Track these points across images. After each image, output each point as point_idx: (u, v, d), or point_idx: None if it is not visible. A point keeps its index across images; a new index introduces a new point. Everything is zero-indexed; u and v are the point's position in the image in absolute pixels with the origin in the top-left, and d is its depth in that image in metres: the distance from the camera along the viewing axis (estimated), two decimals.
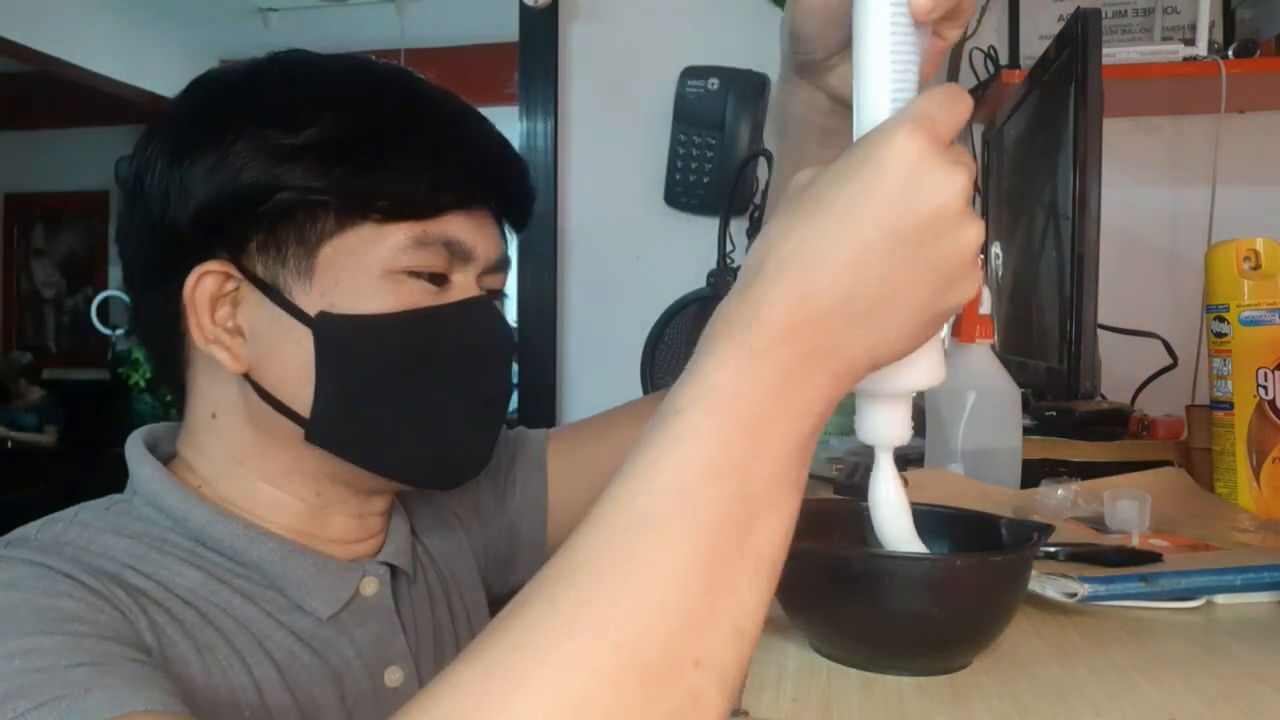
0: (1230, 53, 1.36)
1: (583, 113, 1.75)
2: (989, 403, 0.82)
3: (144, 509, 0.56)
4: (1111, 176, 0.90)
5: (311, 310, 0.55)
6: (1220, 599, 0.58)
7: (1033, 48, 1.54)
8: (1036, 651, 0.50)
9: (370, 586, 0.60)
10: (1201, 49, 1.36)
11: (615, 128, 1.74)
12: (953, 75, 1.56)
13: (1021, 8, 1.57)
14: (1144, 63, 1.35)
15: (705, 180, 1.65)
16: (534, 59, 1.73)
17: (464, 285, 0.59)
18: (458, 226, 0.58)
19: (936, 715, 0.42)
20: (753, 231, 1.35)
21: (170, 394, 0.62)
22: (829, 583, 0.47)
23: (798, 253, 0.37)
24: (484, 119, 0.63)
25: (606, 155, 1.74)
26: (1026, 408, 1.00)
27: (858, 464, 1.03)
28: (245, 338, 0.56)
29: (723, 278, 0.93)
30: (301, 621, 0.56)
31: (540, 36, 1.73)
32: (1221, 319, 0.77)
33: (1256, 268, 0.75)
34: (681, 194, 1.67)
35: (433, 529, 0.71)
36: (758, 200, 1.40)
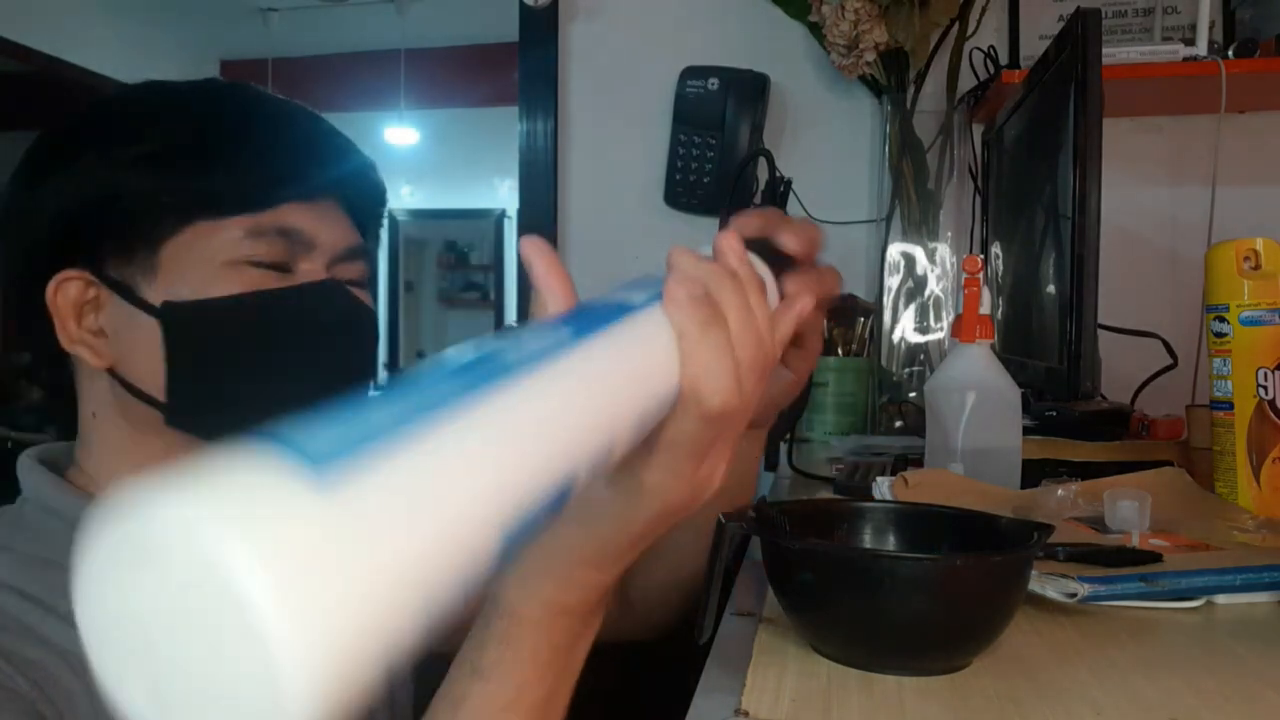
0: (1230, 53, 1.36)
1: (583, 113, 1.75)
2: (989, 403, 0.82)
3: (34, 514, 0.60)
4: (1111, 176, 0.90)
5: (157, 301, 0.59)
6: (1220, 599, 0.58)
7: (1033, 48, 1.54)
8: (1036, 651, 0.50)
9: None
10: (1201, 49, 1.36)
11: (615, 128, 1.74)
12: (953, 75, 1.56)
13: (1021, 8, 1.57)
14: (1144, 63, 1.35)
15: (705, 180, 1.65)
16: (534, 59, 1.73)
17: (309, 272, 0.63)
18: (296, 217, 0.62)
19: (936, 715, 0.42)
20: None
21: (67, 406, 0.65)
22: (829, 583, 0.47)
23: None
24: (318, 118, 0.67)
25: (606, 155, 1.74)
26: (1026, 408, 1.00)
27: (858, 464, 1.03)
28: (107, 337, 0.61)
29: None
30: None
31: (540, 36, 1.73)
32: (1221, 319, 0.77)
33: (1256, 268, 0.75)
34: (681, 194, 1.67)
35: None
36: (758, 200, 1.40)
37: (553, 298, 0.38)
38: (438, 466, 0.25)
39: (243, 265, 0.60)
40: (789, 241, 0.49)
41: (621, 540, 0.42)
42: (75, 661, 0.52)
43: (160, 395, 0.60)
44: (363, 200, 0.69)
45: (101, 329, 0.61)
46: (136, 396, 0.60)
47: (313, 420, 0.25)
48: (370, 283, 0.69)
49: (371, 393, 0.30)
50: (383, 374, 5.89)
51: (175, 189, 0.60)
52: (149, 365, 0.60)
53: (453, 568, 0.25)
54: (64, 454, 0.65)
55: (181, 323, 0.59)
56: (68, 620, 0.53)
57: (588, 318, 0.35)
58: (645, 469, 0.38)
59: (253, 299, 0.60)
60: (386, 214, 0.74)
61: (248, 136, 0.63)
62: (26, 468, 0.62)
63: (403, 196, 5.82)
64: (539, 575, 0.43)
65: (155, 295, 0.60)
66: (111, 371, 0.61)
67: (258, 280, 0.60)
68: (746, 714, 0.43)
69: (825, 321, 1.49)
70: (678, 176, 1.67)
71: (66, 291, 0.61)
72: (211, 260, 0.60)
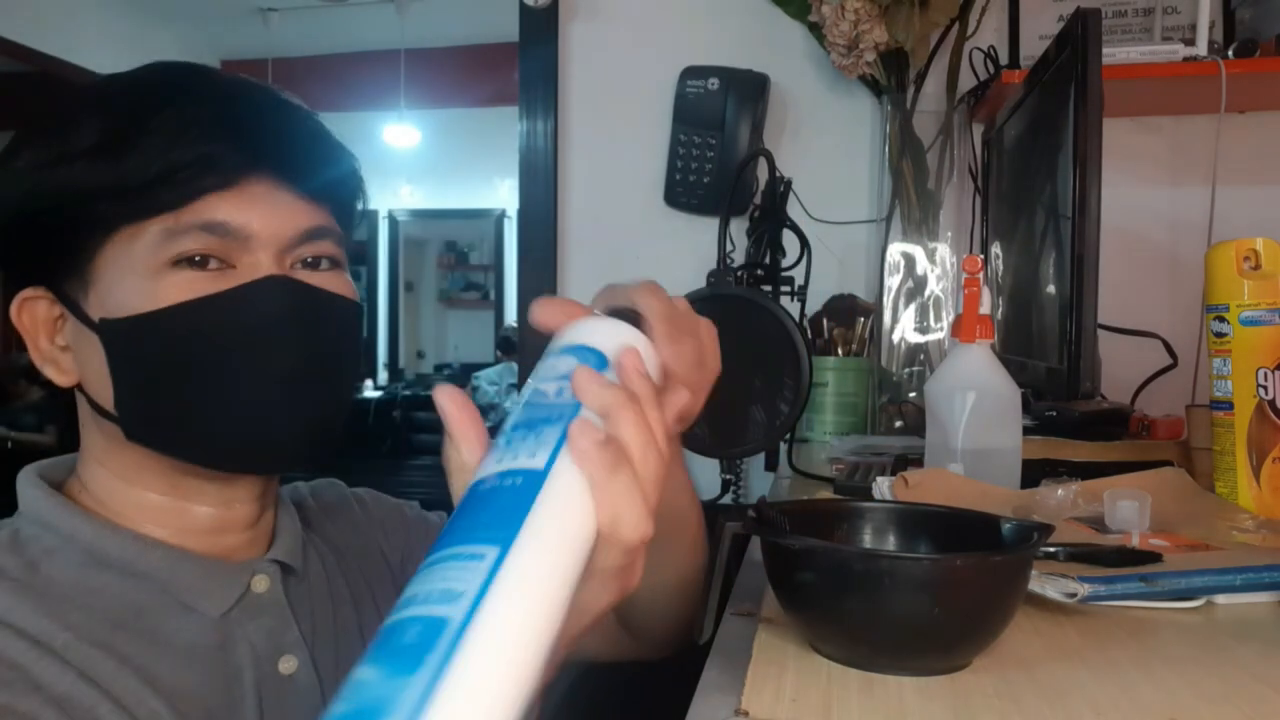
0: (1230, 53, 1.36)
1: (583, 113, 1.75)
2: (989, 403, 0.82)
3: (30, 529, 0.58)
4: (1111, 176, 0.90)
5: (95, 317, 0.57)
6: (1220, 599, 0.58)
7: (1033, 48, 1.54)
8: (1036, 651, 0.50)
9: (261, 584, 0.62)
10: (1201, 49, 1.36)
11: (615, 128, 1.74)
12: (953, 75, 1.56)
13: (1021, 8, 1.57)
14: (1144, 63, 1.35)
15: (705, 180, 1.65)
16: (534, 59, 1.73)
17: (252, 266, 0.57)
18: (221, 209, 0.56)
19: (936, 715, 0.42)
20: (753, 231, 1.35)
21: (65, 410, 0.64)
22: (829, 583, 0.47)
23: None
24: (261, 93, 0.60)
25: (606, 155, 1.74)
26: (1026, 408, 1.00)
27: (858, 464, 1.03)
28: (73, 353, 0.60)
29: (722, 278, 0.93)
30: (196, 624, 0.58)
31: (540, 36, 1.73)
32: (1221, 319, 0.77)
33: (1256, 268, 0.75)
34: (681, 194, 1.67)
35: (346, 539, 0.73)
36: (757, 200, 1.40)
37: (467, 444, 0.41)
38: None
39: (164, 270, 0.56)
40: (645, 308, 0.50)
41: (555, 648, 0.39)
42: (72, 709, 0.51)
43: (114, 409, 0.58)
44: (317, 174, 0.61)
45: (67, 345, 0.60)
46: (99, 413, 0.59)
47: None
48: (344, 266, 0.63)
49: None
50: (383, 374, 5.89)
51: (91, 194, 0.55)
52: (101, 381, 0.58)
53: None
54: (64, 467, 0.64)
55: (118, 339, 0.57)
56: (64, 656, 0.52)
57: (499, 508, 0.36)
58: (576, 592, 0.38)
59: (186, 309, 0.56)
60: (388, 215, 0.72)
61: (158, 126, 0.56)
62: (24, 483, 0.61)
63: (403, 196, 5.82)
64: None
65: (94, 310, 0.57)
66: (79, 388, 0.60)
67: (192, 283, 0.56)
68: (746, 714, 0.43)
69: (825, 322, 1.47)
70: (677, 176, 1.67)
71: (33, 310, 0.59)
72: (136, 268, 0.56)
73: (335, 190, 0.63)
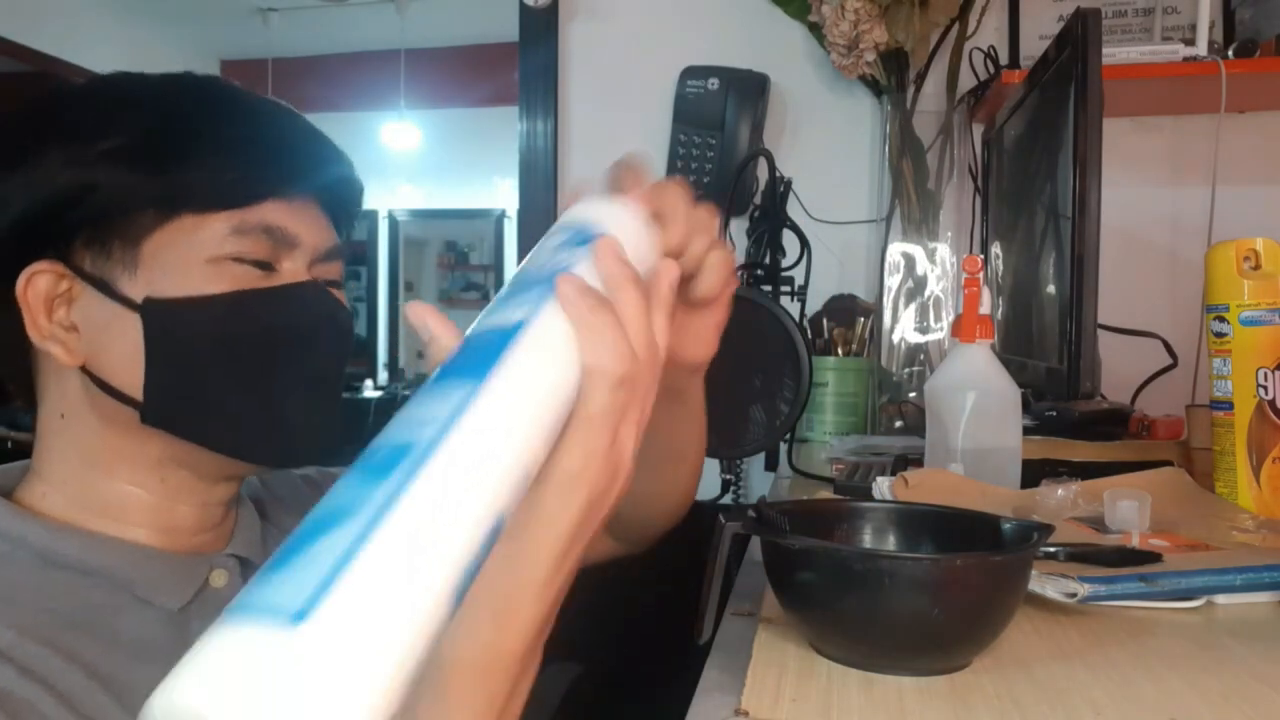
0: (1230, 53, 1.36)
1: (583, 113, 1.75)
2: (989, 403, 0.82)
3: None
4: (1111, 176, 0.90)
5: (138, 297, 0.58)
6: (1220, 599, 0.58)
7: (1033, 48, 1.54)
8: (1036, 651, 0.50)
9: (220, 579, 0.63)
10: (1201, 49, 1.36)
11: (615, 128, 1.74)
12: (953, 75, 1.56)
13: (1021, 8, 1.57)
14: (1144, 63, 1.35)
15: (705, 180, 1.65)
16: (534, 59, 1.73)
17: (293, 272, 0.62)
18: (277, 214, 0.61)
19: (936, 715, 0.42)
20: (753, 231, 1.35)
21: (26, 408, 0.64)
22: (829, 583, 0.47)
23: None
24: (296, 115, 0.66)
25: (606, 155, 1.73)
26: (1026, 408, 1.00)
27: (858, 464, 1.03)
28: (80, 333, 0.60)
29: None
30: (153, 618, 0.58)
31: (540, 36, 1.73)
32: (1221, 319, 0.77)
33: (1256, 268, 0.75)
34: None
35: (299, 518, 0.73)
36: (757, 200, 1.40)
37: (446, 337, 0.41)
38: (387, 573, 0.30)
39: (227, 262, 0.59)
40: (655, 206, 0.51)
41: (555, 546, 0.40)
42: (12, 704, 0.50)
43: (135, 393, 0.59)
44: (341, 200, 0.68)
45: (74, 324, 0.60)
46: (110, 394, 0.59)
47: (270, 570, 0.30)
48: (344, 287, 0.68)
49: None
50: (383, 374, 5.89)
51: (155, 182, 0.58)
52: (124, 362, 0.59)
53: (415, 656, 0.29)
54: (14, 474, 0.64)
55: (163, 319, 0.58)
56: (7, 654, 0.51)
57: (481, 352, 0.37)
58: (563, 456, 0.39)
59: (237, 298, 0.59)
60: (388, 215, 0.73)
61: (228, 131, 0.61)
62: None
63: (402, 196, 5.82)
64: (474, 617, 0.39)
65: (136, 291, 0.58)
66: (84, 369, 0.60)
67: (241, 278, 0.59)
68: (746, 714, 0.43)
69: (825, 322, 1.48)
70: (677, 176, 1.66)
71: (36, 285, 0.59)
72: (195, 257, 0.58)
73: (348, 215, 0.69)
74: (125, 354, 0.58)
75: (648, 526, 0.75)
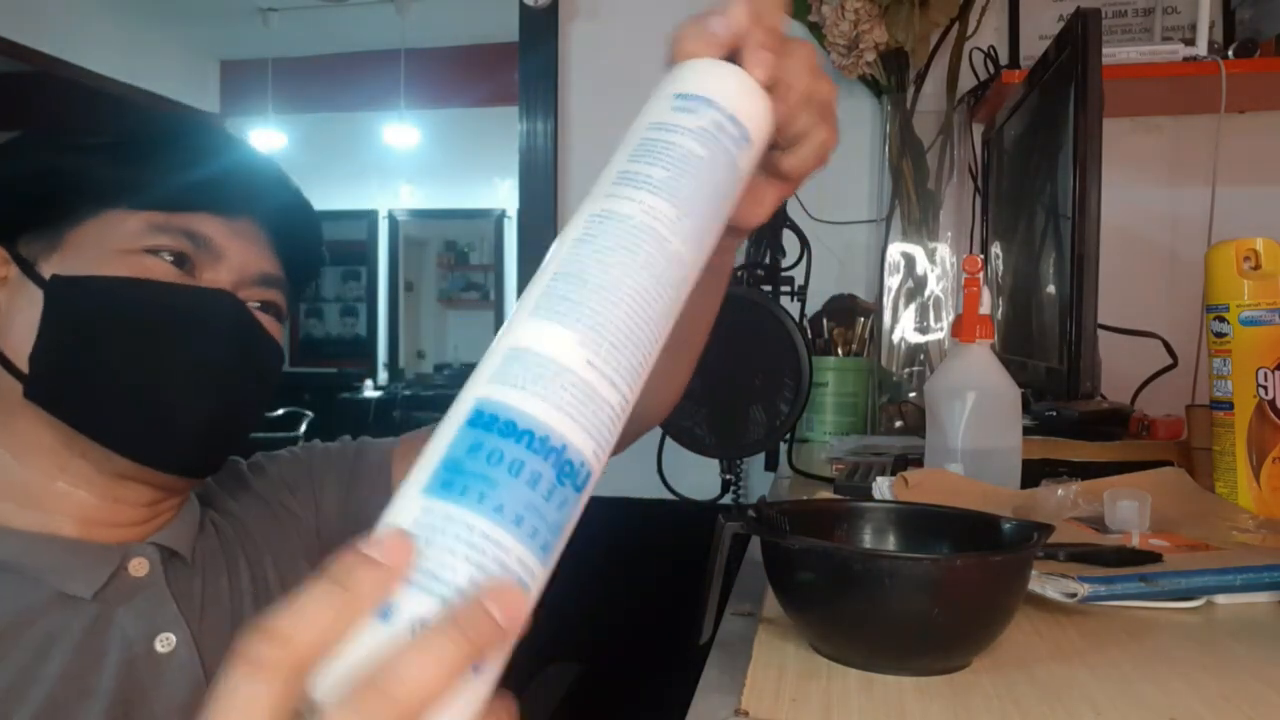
0: (1230, 53, 1.36)
1: (583, 113, 1.75)
2: (989, 403, 0.82)
3: None
4: (1111, 176, 0.90)
5: (47, 274, 0.59)
6: (1220, 599, 0.58)
7: (1033, 48, 1.54)
8: (1036, 651, 0.50)
9: (140, 568, 0.61)
10: (1201, 49, 1.36)
11: (615, 128, 1.72)
12: (953, 75, 1.56)
13: (1021, 8, 1.57)
14: (1144, 63, 1.35)
15: None
16: (534, 59, 1.73)
17: (210, 279, 0.63)
18: (209, 226, 0.62)
19: (936, 715, 0.42)
20: (752, 231, 1.35)
21: None
22: (829, 583, 0.47)
23: None
24: (258, 152, 0.70)
25: (606, 155, 1.74)
26: (1026, 408, 1.00)
27: (858, 464, 1.03)
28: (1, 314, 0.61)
29: None
30: (61, 610, 0.57)
31: (540, 36, 1.73)
32: (1221, 319, 0.77)
33: (1256, 268, 0.75)
34: None
35: (248, 508, 0.73)
36: None
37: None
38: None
39: (139, 254, 0.60)
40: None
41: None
42: None
43: (22, 364, 0.59)
44: (289, 233, 0.68)
45: None
46: (3, 366, 0.59)
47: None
48: (282, 319, 0.69)
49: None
50: (383, 374, 5.89)
51: (96, 176, 0.61)
52: (23, 333, 0.59)
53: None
54: None
55: (63, 295, 0.59)
56: None
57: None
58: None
59: (139, 283, 0.59)
60: (388, 215, 0.73)
61: (177, 144, 0.64)
62: None
63: (403, 196, 5.82)
64: None
65: (49, 269, 0.60)
66: None
67: (149, 265, 0.60)
68: (746, 714, 0.43)
69: (825, 322, 1.47)
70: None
71: None
72: (110, 245, 0.60)
73: (301, 253, 0.70)
74: (26, 326, 0.59)
75: (642, 421, 0.72)
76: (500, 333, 0.35)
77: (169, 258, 0.61)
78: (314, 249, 0.72)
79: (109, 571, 0.59)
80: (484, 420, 0.32)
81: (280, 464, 0.78)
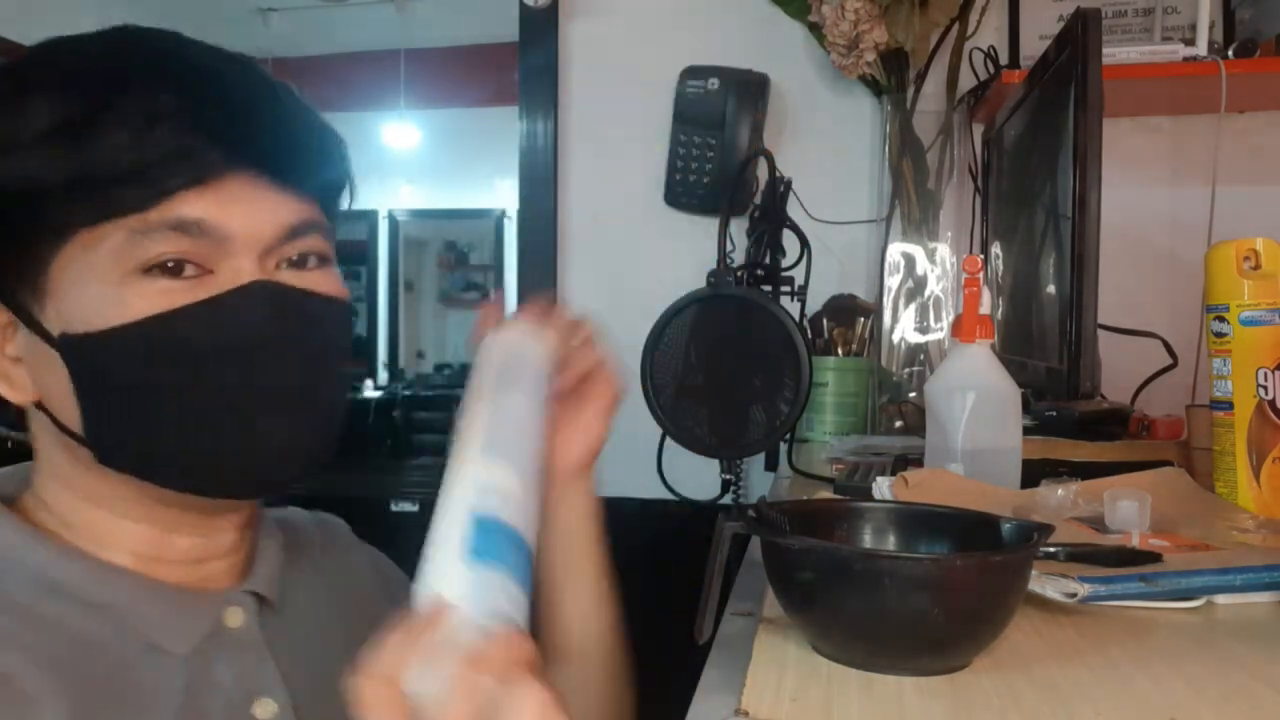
0: (1230, 53, 1.36)
1: (583, 113, 1.75)
2: (989, 403, 0.82)
3: None
4: (1111, 176, 0.90)
5: (54, 331, 0.50)
6: (1220, 599, 0.58)
7: (1033, 48, 1.54)
8: (1036, 651, 0.50)
9: (235, 618, 0.57)
10: (1201, 49, 1.36)
11: (615, 128, 1.74)
12: (953, 75, 1.56)
13: (1021, 8, 1.57)
14: (1144, 63, 1.35)
15: (705, 180, 1.64)
16: (534, 59, 1.73)
17: (233, 272, 0.51)
18: (194, 206, 0.49)
19: (936, 715, 0.42)
20: (753, 231, 1.35)
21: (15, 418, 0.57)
22: (829, 583, 0.47)
23: None
24: (233, 70, 0.54)
25: (606, 155, 1.74)
26: (1026, 408, 1.00)
27: (858, 464, 1.03)
28: (26, 367, 0.52)
29: (723, 278, 0.93)
30: (161, 662, 0.52)
31: (540, 36, 1.73)
32: (1221, 319, 0.77)
33: (1256, 268, 0.75)
34: (681, 194, 1.67)
35: (346, 570, 0.70)
36: (757, 200, 1.40)
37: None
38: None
39: (133, 276, 0.49)
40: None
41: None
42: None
43: (84, 433, 0.51)
44: (303, 165, 0.55)
45: (19, 357, 0.52)
46: (67, 434, 0.52)
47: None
48: (332, 260, 0.58)
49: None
50: (383, 374, 5.89)
51: (44, 190, 0.48)
52: (64, 400, 0.51)
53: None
54: (15, 479, 0.57)
55: (83, 357, 0.50)
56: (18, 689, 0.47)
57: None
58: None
59: (159, 322, 0.49)
60: (388, 215, 0.67)
61: (124, 111, 0.48)
62: None
63: (403, 196, 5.82)
64: None
65: (50, 323, 0.50)
66: (40, 406, 0.53)
67: (165, 293, 0.50)
68: (746, 714, 0.43)
69: (825, 322, 1.47)
70: (677, 176, 1.66)
71: None
72: (100, 276, 0.49)
73: (322, 180, 0.57)
74: (62, 392, 0.51)
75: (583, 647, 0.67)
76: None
77: (170, 265, 0.50)
78: (333, 153, 0.58)
79: (207, 627, 0.55)
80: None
81: (394, 570, 0.75)
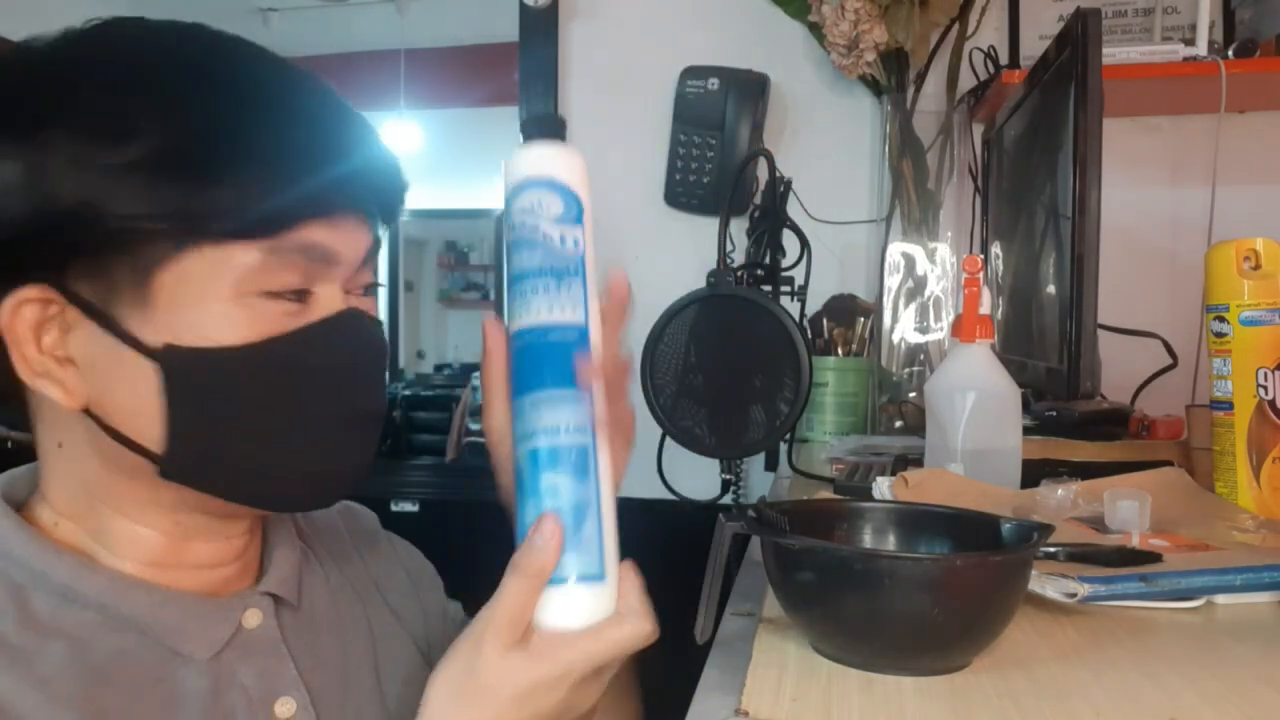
0: (1230, 53, 1.36)
1: (583, 113, 1.75)
2: (989, 403, 0.82)
3: None
4: (1111, 176, 0.90)
5: (155, 342, 0.50)
6: (1220, 599, 0.58)
7: (1033, 48, 1.54)
8: (1036, 651, 0.50)
9: (253, 618, 0.58)
10: (1201, 49, 1.36)
11: (615, 128, 1.74)
12: (953, 75, 1.56)
13: (1021, 8, 1.57)
14: (1144, 63, 1.35)
15: (705, 180, 1.65)
16: (534, 59, 1.73)
17: (328, 296, 0.54)
18: (316, 233, 0.52)
19: (936, 715, 0.42)
20: (753, 231, 1.35)
21: (16, 418, 0.56)
22: (829, 583, 0.47)
23: None
24: (338, 105, 0.57)
25: (606, 155, 1.74)
26: (1026, 408, 1.00)
27: (858, 464, 1.03)
28: (78, 367, 0.51)
29: (723, 278, 0.93)
30: (181, 669, 0.53)
31: (540, 36, 1.73)
32: (1221, 319, 0.77)
33: (1256, 268, 0.75)
34: (681, 194, 1.67)
35: (370, 563, 0.70)
36: (757, 200, 1.40)
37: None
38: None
39: (254, 298, 0.50)
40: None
41: None
42: None
43: (153, 445, 0.51)
44: (384, 207, 0.59)
45: (69, 357, 0.51)
46: (123, 444, 0.52)
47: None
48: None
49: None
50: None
51: (175, 208, 0.48)
52: (141, 409, 0.51)
53: None
54: (26, 483, 0.57)
55: (188, 371, 0.50)
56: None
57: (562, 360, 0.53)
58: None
59: (271, 347, 0.51)
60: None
61: (259, 136, 0.50)
62: None
63: None
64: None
65: (151, 333, 0.50)
66: (87, 411, 0.51)
67: (272, 315, 0.51)
68: (746, 714, 0.43)
69: (825, 322, 1.47)
70: (678, 176, 1.67)
71: (25, 314, 0.50)
72: (217, 294, 0.50)
73: (393, 210, 0.60)
74: (138, 403, 0.50)
75: None
76: None
77: (291, 297, 0.52)
78: (401, 202, 0.61)
79: (229, 632, 0.56)
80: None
81: (416, 556, 0.76)
